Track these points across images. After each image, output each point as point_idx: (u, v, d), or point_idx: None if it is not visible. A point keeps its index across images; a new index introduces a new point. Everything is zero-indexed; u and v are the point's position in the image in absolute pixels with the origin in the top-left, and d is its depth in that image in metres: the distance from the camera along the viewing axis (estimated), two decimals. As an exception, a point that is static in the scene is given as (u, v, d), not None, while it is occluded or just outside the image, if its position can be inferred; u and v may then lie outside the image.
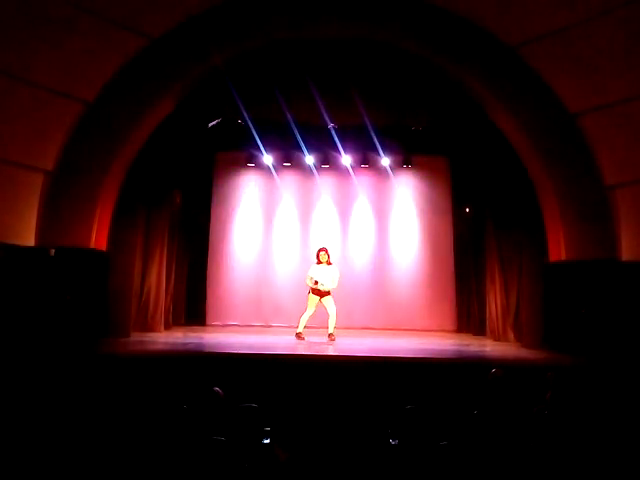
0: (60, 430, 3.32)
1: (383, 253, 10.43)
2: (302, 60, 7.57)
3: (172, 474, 2.96)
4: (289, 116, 8.43)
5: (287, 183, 10.48)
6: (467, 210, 10.09)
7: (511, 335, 8.25)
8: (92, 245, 6.79)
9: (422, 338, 8.55)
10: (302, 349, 6.86)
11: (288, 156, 10.10)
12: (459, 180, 10.16)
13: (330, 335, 7.62)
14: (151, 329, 8.39)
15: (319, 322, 7.98)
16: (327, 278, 7.69)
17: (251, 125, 8.71)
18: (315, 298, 7.68)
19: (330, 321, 7.67)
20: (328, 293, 7.70)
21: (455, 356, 6.90)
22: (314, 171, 10.20)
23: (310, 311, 7.69)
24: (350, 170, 10.19)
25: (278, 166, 10.23)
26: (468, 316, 9.85)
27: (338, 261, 9.56)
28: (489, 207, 8.84)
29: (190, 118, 8.29)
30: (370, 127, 8.78)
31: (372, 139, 9.07)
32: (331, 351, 6.89)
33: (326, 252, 7.85)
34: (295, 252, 10.36)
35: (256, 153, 9.87)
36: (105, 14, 6.15)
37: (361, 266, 10.31)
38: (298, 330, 7.68)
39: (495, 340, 8.38)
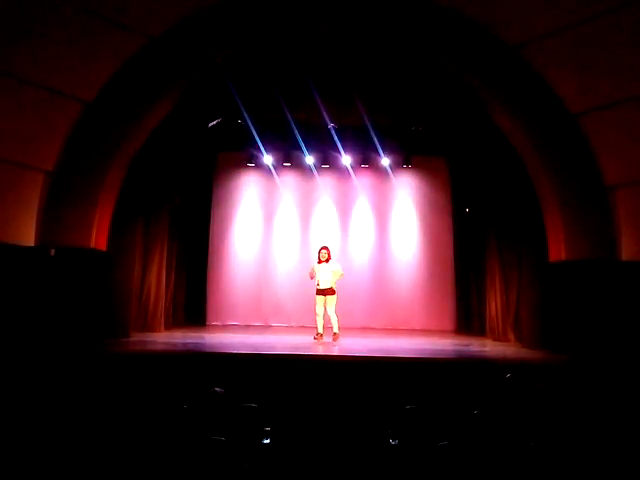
0: (59, 431, 3.32)
1: (383, 253, 10.45)
2: (302, 60, 7.56)
3: (172, 474, 2.96)
4: (289, 116, 8.43)
5: (287, 183, 10.49)
6: (467, 210, 10.09)
7: (511, 335, 8.24)
8: (92, 245, 6.79)
9: (422, 338, 8.55)
10: (302, 349, 6.85)
11: (288, 156, 10.10)
12: (459, 180, 10.18)
13: (335, 335, 7.65)
14: (151, 329, 8.39)
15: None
16: (327, 277, 7.72)
17: (251, 125, 8.72)
18: (320, 298, 7.71)
19: (332, 321, 7.69)
20: (332, 293, 7.72)
21: (455, 356, 6.90)
22: (314, 171, 10.20)
23: (320, 311, 7.72)
24: (350, 170, 10.20)
25: (278, 166, 10.24)
26: (468, 316, 9.85)
27: (338, 261, 9.61)
28: (489, 207, 8.84)
29: (191, 118, 8.29)
30: (370, 127, 8.79)
31: (372, 139, 9.07)
32: (331, 351, 6.89)
33: (327, 250, 7.86)
34: (295, 252, 10.38)
35: (256, 153, 9.87)
36: (105, 14, 6.14)
37: (361, 266, 10.33)
38: (319, 331, 7.71)
39: (495, 340, 8.37)
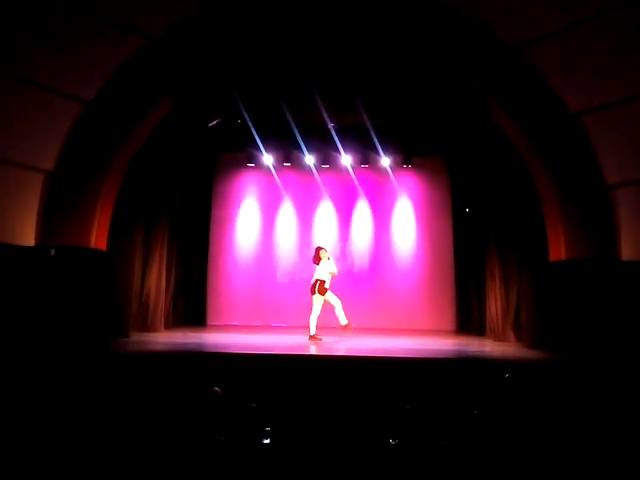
0: (60, 431, 3.32)
1: (383, 253, 10.46)
2: (302, 60, 7.56)
3: (172, 474, 2.96)
4: (289, 116, 8.44)
5: (287, 183, 10.51)
6: (467, 210, 10.09)
7: (511, 335, 8.23)
8: (92, 245, 6.78)
9: (422, 338, 8.54)
10: (302, 349, 6.85)
11: (288, 156, 10.12)
12: (459, 180, 10.18)
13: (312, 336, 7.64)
14: (151, 329, 8.39)
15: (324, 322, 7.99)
16: (326, 275, 7.76)
17: (251, 125, 8.72)
18: (322, 298, 7.69)
19: (312, 318, 7.67)
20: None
21: (455, 356, 6.89)
22: (314, 171, 10.21)
23: (319, 312, 7.69)
24: (350, 170, 10.21)
25: (278, 166, 10.25)
26: (468, 316, 9.85)
27: (338, 261, 9.65)
28: (489, 207, 8.83)
29: (191, 118, 8.29)
30: (370, 127, 8.79)
31: (372, 139, 9.08)
32: (331, 351, 6.89)
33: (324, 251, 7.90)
34: (295, 252, 10.39)
35: (256, 153, 9.89)
36: (105, 14, 6.15)
37: (361, 266, 10.34)
38: (312, 333, 7.62)
39: (495, 340, 8.36)
